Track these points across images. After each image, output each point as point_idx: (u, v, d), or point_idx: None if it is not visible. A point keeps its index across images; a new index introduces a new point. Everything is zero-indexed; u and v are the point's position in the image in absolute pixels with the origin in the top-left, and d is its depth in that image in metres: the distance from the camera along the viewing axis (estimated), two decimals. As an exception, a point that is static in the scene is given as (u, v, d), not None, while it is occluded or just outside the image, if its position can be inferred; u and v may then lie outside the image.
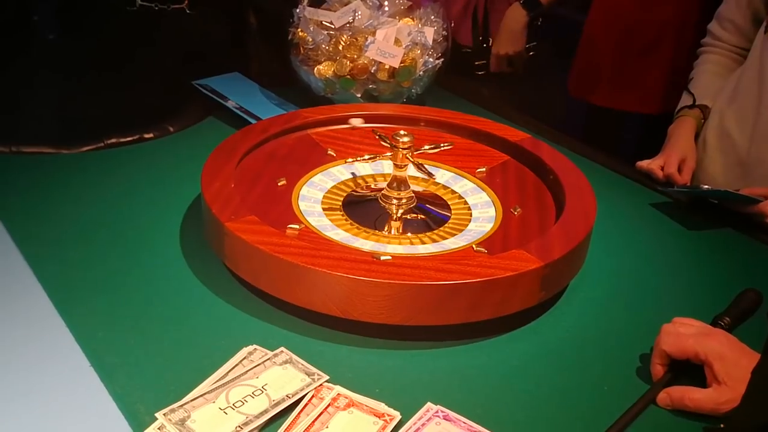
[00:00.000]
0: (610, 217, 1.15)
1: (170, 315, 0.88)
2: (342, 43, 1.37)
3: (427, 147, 1.07)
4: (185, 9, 1.28)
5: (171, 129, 1.34)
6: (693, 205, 1.22)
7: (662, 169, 1.30)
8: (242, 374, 0.77)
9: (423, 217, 1.03)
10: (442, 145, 1.08)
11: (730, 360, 0.76)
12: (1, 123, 1.28)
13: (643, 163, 1.31)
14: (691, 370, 0.80)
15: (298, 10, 1.42)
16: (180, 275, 0.96)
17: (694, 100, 1.40)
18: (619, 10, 1.95)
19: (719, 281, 1.03)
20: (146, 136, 1.32)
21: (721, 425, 0.75)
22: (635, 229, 1.16)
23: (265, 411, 0.73)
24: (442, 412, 0.75)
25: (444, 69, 1.47)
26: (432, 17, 1.44)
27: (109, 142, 1.28)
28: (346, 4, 1.40)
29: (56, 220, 1.06)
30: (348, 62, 1.37)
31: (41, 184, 1.15)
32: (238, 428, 0.70)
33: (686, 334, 0.81)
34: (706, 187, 1.24)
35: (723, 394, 0.76)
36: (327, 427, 0.72)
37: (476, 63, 1.99)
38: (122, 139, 1.30)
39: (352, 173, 1.12)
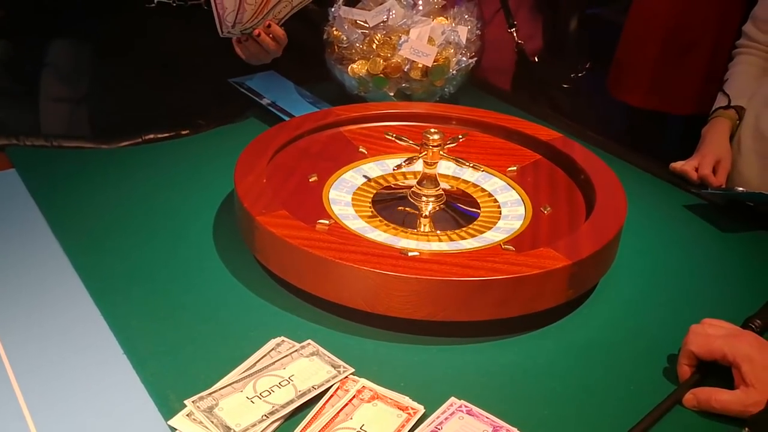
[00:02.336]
0: (643, 217, 1.15)
1: (202, 306, 0.90)
2: (376, 41, 1.39)
3: (447, 141, 1.07)
4: (203, 5, 1.30)
5: (206, 125, 1.37)
6: (727, 208, 1.21)
7: (696, 170, 1.28)
8: (270, 365, 0.79)
9: (452, 214, 1.04)
10: (459, 136, 1.08)
11: (759, 362, 0.76)
12: (42, 119, 1.32)
13: (677, 165, 1.30)
14: (718, 372, 0.79)
15: (332, 9, 1.43)
16: (212, 267, 0.98)
17: (729, 101, 1.38)
18: (660, 10, 1.93)
19: (752, 284, 1.02)
20: (182, 132, 1.34)
21: (746, 429, 0.74)
22: (667, 230, 1.15)
23: (291, 401, 0.74)
24: (465, 407, 0.75)
25: (476, 67, 1.47)
26: (466, 16, 1.44)
27: (146, 137, 1.31)
28: (380, 3, 1.41)
29: (94, 212, 1.09)
30: (381, 61, 1.38)
31: (81, 177, 1.18)
32: (265, 417, 0.72)
33: (715, 335, 0.80)
34: (741, 189, 1.23)
35: (750, 396, 0.75)
36: (351, 419, 0.73)
37: (572, 76, 1.96)
38: (159, 135, 1.32)
39: (392, 168, 1.13)
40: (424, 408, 0.75)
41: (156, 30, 1.32)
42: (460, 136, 1.08)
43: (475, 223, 1.02)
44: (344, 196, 1.06)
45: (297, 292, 0.91)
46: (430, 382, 0.80)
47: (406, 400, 0.76)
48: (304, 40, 1.49)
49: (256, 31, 1.25)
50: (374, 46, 1.39)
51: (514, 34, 1.85)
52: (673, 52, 1.93)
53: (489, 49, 1.81)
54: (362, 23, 1.40)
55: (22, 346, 0.82)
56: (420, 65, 1.37)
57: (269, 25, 1.27)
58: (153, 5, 1.22)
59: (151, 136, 1.32)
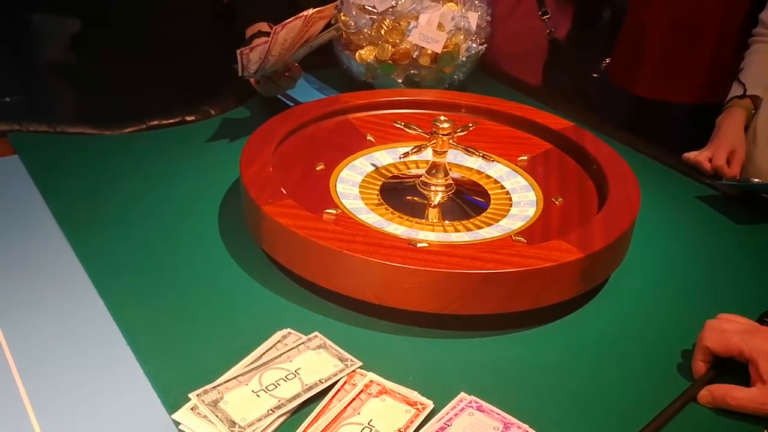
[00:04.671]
0: (655, 209, 1.13)
1: (207, 297, 0.89)
2: (384, 27, 1.36)
3: (457, 130, 1.05)
4: None
5: (212, 112, 1.35)
6: (742, 199, 1.19)
7: (710, 161, 1.26)
8: (276, 358, 0.77)
9: (462, 204, 1.02)
10: (469, 125, 1.06)
11: (777, 359, 0.74)
12: (46, 104, 1.30)
13: (691, 155, 1.28)
14: (734, 368, 0.78)
15: (340, -6, 1.41)
16: (217, 257, 0.96)
17: (745, 90, 1.35)
18: None
19: None
20: (188, 118, 1.33)
21: (764, 429, 0.73)
22: (681, 222, 1.13)
23: (298, 395, 0.73)
24: (475, 402, 0.74)
25: (485, 54, 1.45)
26: (476, 2, 1.42)
27: (151, 123, 1.29)
28: (389, -11, 1.39)
29: (98, 200, 1.07)
30: (390, 47, 1.35)
31: (84, 164, 1.16)
32: (270, 411, 0.70)
33: (731, 330, 0.78)
34: (757, 180, 1.21)
35: (767, 393, 0.73)
36: (359, 414, 0.71)
37: (603, 64, 1.91)
38: (164, 122, 1.30)
39: (399, 156, 1.11)
40: (434, 403, 0.73)
41: (160, 16, 1.30)
42: (470, 125, 1.05)
43: (485, 213, 1.00)
44: (352, 186, 1.04)
45: (303, 283, 0.89)
46: (440, 377, 0.78)
47: (414, 395, 0.74)
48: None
49: (276, 75, 1.25)
50: (383, 32, 1.36)
51: (546, 22, 1.81)
52: (679, 40, 1.90)
53: (512, 39, 1.77)
54: (371, 8, 1.38)
55: (23, 336, 0.81)
56: (429, 52, 1.35)
57: (289, 68, 1.27)
58: None
59: (156, 122, 1.30)
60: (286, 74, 1.28)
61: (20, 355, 0.78)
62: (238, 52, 1.11)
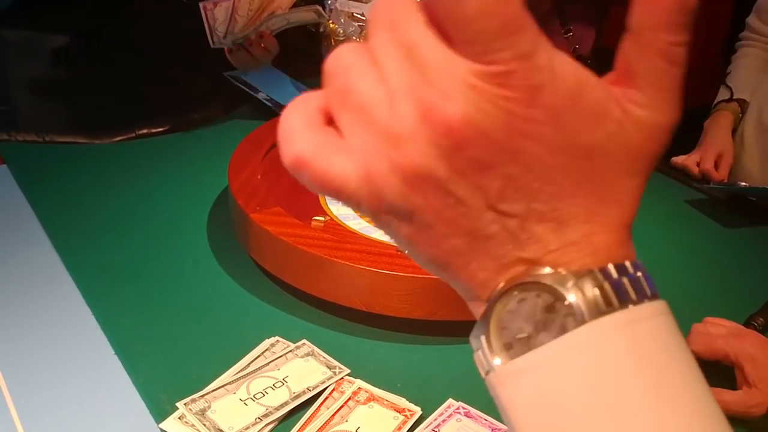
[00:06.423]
0: (643, 213, 1.10)
1: (195, 305, 0.89)
2: (373, 34, 1.37)
3: None
4: None
5: (202, 120, 1.35)
6: (730, 203, 1.19)
7: (698, 165, 1.27)
8: (264, 366, 0.77)
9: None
10: None
11: (762, 362, 0.74)
12: (35, 113, 1.30)
13: (679, 159, 1.29)
14: (721, 372, 0.78)
15: (329, 2, 1.41)
16: (206, 265, 0.96)
17: (732, 94, 1.36)
18: None
19: (755, 280, 1.00)
20: (177, 127, 1.32)
21: None
22: (669, 226, 1.13)
23: (286, 403, 0.73)
24: (463, 408, 0.74)
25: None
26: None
27: (140, 132, 1.29)
28: (377, -4, 1.40)
29: (86, 209, 1.07)
30: (378, 54, 1.36)
31: (73, 173, 1.16)
32: (258, 420, 0.70)
33: (717, 334, 0.78)
34: (744, 184, 1.21)
35: (753, 396, 0.73)
36: (347, 421, 0.71)
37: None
38: (153, 130, 1.30)
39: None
40: (422, 410, 0.73)
41: (149, 24, 1.31)
42: None
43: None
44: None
45: (292, 290, 0.89)
46: (428, 383, 0.78)
47: (402, 402, 0.74)
48: (300, 33, 1.47)
49: (248, 41, 1.25)
50: (371, 39, 1.37)
51: (570, 40, 1.80)
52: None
53: None
54: (359, 16, 1.38)
55: (10, 345, 0.81)
56: (417, 58, 1.35)
57: (262, 36, 1.27)
58: None
59: (145, 131, 1.30)
60: (261, 45, 1.28)
61: (7, 364, 0.78)
62: (201, 6, 1.11)
